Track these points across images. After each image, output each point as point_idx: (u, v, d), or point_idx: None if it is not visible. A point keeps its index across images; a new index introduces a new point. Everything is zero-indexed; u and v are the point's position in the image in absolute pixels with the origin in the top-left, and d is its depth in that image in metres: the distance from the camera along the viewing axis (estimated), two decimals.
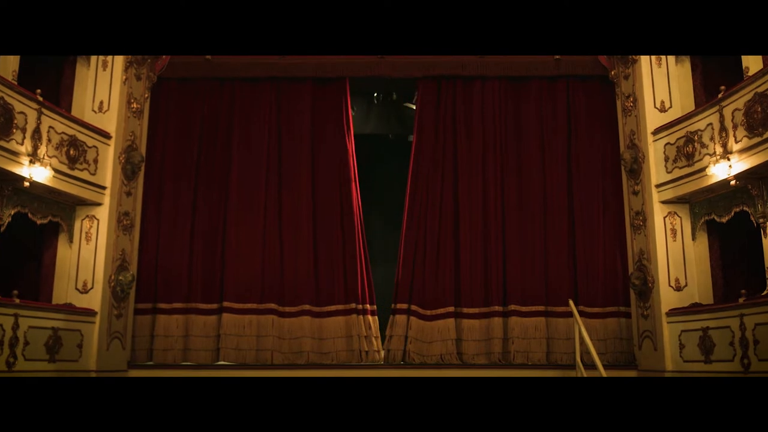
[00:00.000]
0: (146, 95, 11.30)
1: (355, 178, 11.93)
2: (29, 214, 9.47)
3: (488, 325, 10.93)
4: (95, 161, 10.21)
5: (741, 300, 8.65)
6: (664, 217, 10.34)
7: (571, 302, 10.31)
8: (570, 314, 10.36)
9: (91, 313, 9.92)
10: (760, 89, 8.57)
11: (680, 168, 9.97)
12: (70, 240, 10.21)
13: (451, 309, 10.99)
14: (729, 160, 8.94)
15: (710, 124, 9.45)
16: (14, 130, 8.78)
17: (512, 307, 10.97)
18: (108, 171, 10.40)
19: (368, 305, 11.24)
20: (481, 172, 11.51)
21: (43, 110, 9.30)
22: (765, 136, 8.47)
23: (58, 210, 10.03)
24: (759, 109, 8.54)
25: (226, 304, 10.93)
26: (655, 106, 10.61)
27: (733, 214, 9.43)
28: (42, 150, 9.19)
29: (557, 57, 11.27)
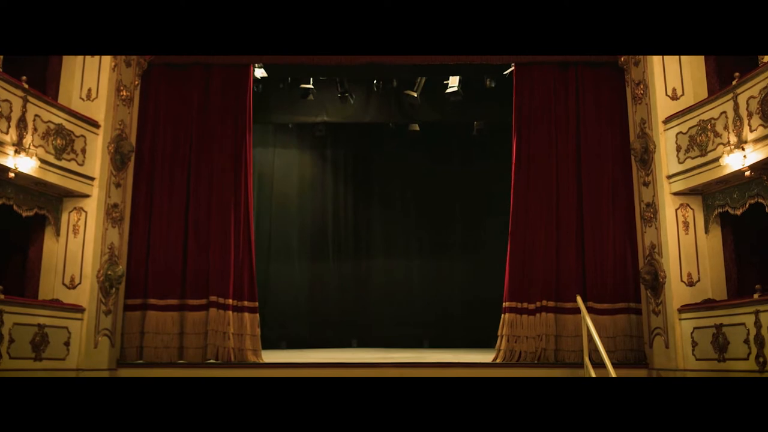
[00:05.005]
0: (136, 82, 11.26)
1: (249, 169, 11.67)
2: (14, 207, 9.42)
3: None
4: (83, 151, 10.17)
5: (756, 296, 8.61)
6: (676, 210, 10.31)
7: (578, 298, 10.30)
8: (578, 310, 10.36)
9: (78, 309, 9.89)
10: None
11: (693, 158, 9.94)
12: (57, 233, 10.17)
13: (552, 304, 10.97)
14: (743, 149, 8.90)
15: (724, 112, 9.40)
16: None
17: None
18: (96, 161, 10.36)
19: (246, 302, 11.14)
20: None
21: (29, 98, 9.24)
22: None
23: (45, 202, 9.99)
24: None
25: (212, 298, 10.92)
26: (666, 94, 10.57)
27: (747, 206, 9.38)
28: (27, 139, 9.15)
29: None
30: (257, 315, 11.19)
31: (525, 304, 10.96)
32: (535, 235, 11.22)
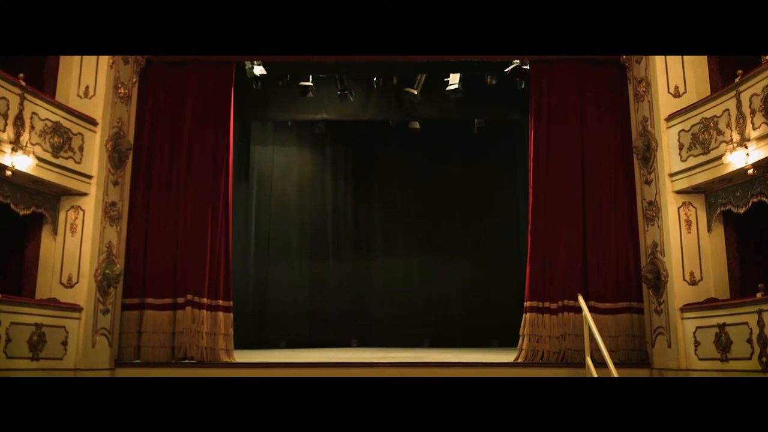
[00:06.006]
0: (134, 80, 11.25)
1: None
2: (11, 205, 9.41)
3: None
4: (81, 149, 10.15)
5: (759, 295, 8.58)
6: (679, 208, 10.30)
7: (580, 297, 10.29)
8: (580, 309, 10.37)
9: (76, 308, 9.88)
10: None
11: (695, 156, 9.92)
12: (55, 232, 10.16)
13: (573, 303, 10.87)
14: (746, 147, 8.89)
15: (727, 110, 9.40)
16: None
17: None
18: (94, 159, 10.34)
19: (221, 301, 11.11)
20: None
21: (26, 95, 9.24)
22: None
23: (42, 200, 9.98)
24: None
25: (188, 297, 10.88)
26: (668, 92, 10.55)
27: (750, 204, 9.37)
28: (25, 137, 9.14)
29: None
30: (231, 314, 11.16)
31: (547, 304, 10.94)
32: (556, 234, 11.19)
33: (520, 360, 10.78)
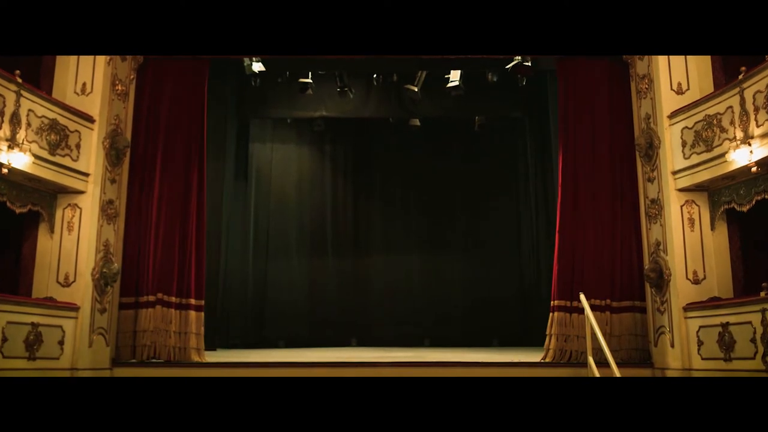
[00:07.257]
0: (132, 76, 11.23)
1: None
2: (8, 203, 9.40)
3: None
4: (78, 146, 10.14)
5: (762, 294, 8.56)
6: (681, 206, 10.28)
7: (582, 296, 10.26)
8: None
9: (73, 307, 9.87)
10: None
11: (698, 154, 9.91)
12: (51, 230, 10.15)
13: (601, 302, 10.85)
14: (750, 145, 8.89)
15: (730, 107, 9.38)
16: None
17: None
18: (91, 157, 10.33)
19: (192, 300, 11.04)
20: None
21: (23, 92, 9.22)
22: None
23: (39, 198, 9.96)
24: None
25: (159, 296, 10.89)
26: (671, 88, 10.53)
27: (754, 202, 9.36)
28: (21, 135, 9.12)
29: None
30: (202, 314, 11.09)
31: (575, 303, 10.81)
32: (585, 231, 11.11)
33: (547, 360, 10.73)
